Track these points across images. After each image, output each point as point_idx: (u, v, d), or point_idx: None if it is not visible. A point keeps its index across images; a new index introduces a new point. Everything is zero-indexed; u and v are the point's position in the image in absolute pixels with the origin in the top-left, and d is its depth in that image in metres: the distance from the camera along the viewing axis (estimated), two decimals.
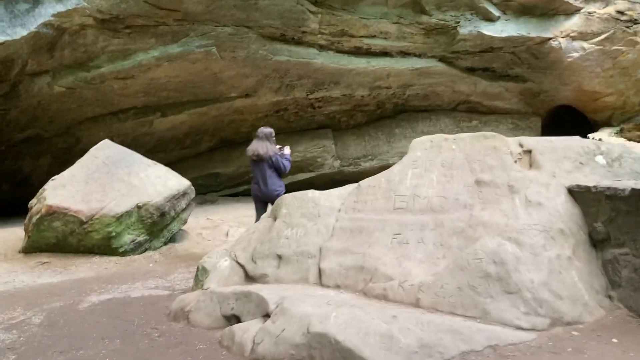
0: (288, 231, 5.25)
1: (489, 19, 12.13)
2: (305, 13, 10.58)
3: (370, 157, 13.63)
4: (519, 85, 13.79)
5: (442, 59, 12.83)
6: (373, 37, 11.78)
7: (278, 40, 10.95)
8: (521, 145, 5.56)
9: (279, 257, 5.17)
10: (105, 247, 7.46)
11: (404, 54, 12.41)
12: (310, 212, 5.34)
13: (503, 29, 12.25)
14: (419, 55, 12.55)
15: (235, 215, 10.67)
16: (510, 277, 4.31)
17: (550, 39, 12.51)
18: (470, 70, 13.31)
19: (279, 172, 7.34)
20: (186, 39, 9.89)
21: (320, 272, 4.92)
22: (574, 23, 12.50)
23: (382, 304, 4.38)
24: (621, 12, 12.64)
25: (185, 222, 8.54)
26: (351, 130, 13.70)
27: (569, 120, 15.29)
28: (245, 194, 13.14)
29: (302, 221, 5.28)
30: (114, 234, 7.35)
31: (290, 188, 13.40)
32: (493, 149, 5.40)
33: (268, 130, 7.51)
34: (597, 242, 4.84)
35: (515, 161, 5.42)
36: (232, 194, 13.14)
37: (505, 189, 5.05)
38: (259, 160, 7.22)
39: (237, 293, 4.60)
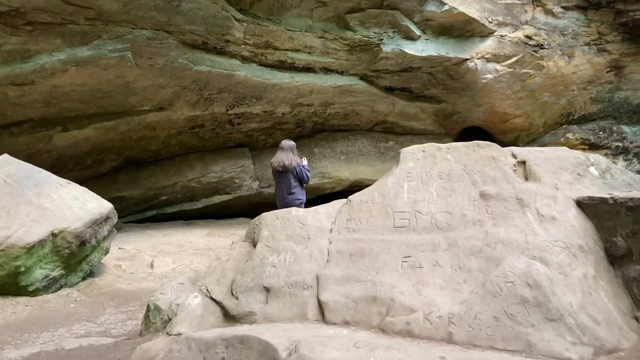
0: (274, 257, 4.36)
1: (410, 37, 12.03)
2: (231, 20, 9.73)
3: None
4: (434, 106, 13.85)
5: (363, 77, 12.52)
6: (297, 50, 11.18)
7: (199, 48, 9.97)
8: (514, 156, 5.17)
9: (267, 289, 4.26)
10: (11, 286, 5.99)
11: (327, 70, 11.93)
12: (298, 234, 4.51)
13: (423, 48, 12.21)
14: (342, 73, 12.14)
15: (152, 244, 9.43)
16: (549, 302, 3.80)
17: (467, 59, 12.67)
18: (389, 89, 13.14)
19: (302, 182, 7.60)
20: (98, 42, 8.59)
21: (321, 306, 4.09)
22: (488, 45, 12.78)
23: (413, 342, 3.66)
24: (529, 37, 13.15)
25: (107, 252, 7.23)
26: (269, 149, 12.88)
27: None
28: (155, 220, 11.83)
29: (290, 245, 4.43)
30: (22, 268, 5.92)
31: (206, 212, 12.37)
32: (492, 159, 4.96)
33: (291, 142, 7.77)
34: (616, 259, 4.49)
35: (514, 172, 5.01)
36: (139, 220, 11.73)
37: (514, 203, 4.59)
38: (284, 170, 7.43)
39: (227, 338, 3.63)
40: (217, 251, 9.03)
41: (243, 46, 10.44)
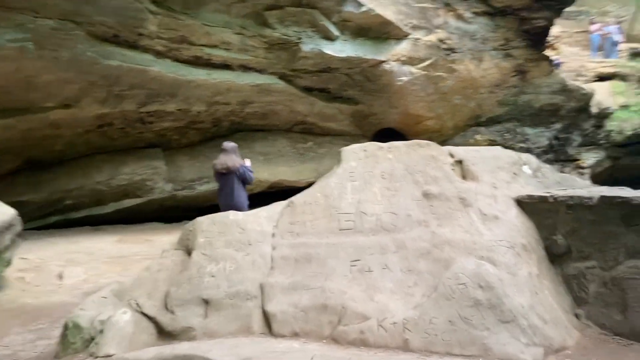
0: (212, 266, 4.01)
1: (329, 38, 11.93)
2: (144, 12, 9.13)
3: (206, 179, 12.35)
4: (351, 107, 13.85)
5: (282, 77, 12.26)
6: (214, 47, 10.72)
7: (110, 41, 9.27)
8: (452, 155, 5.14)
9: (206, 302, 3.90)
10: None
11: (245, 68, 11.55)
12: (238, 240, 4.18)
13: (342, 49, 12.16)
14: (260, 71, 11.81)
15: (57, 252, 8.64)
16: (502, 304, 3.76)
17: (384, 61, 12.77)
18: (308, 90, 12.97)
19: (245, 184, 7.69)
20: None
21: (267, 318, 3.80)
22: (403, 48, 12.95)
23: (370, 352, 3.45)
24: (442, 41, 13.48)
25: (9, 263, 6.47)
26: (183, 150, 12.32)
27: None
28: (59, 226, 10.91)
29: (229, 252, 4.10)
30: None
31: (115, 217, 11.57)
32: (432, 158, 4.90)
33: (234, 144, 7.87)
34: (556, 257, 4.55)
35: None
36: (41, 227, 10.74)
37: (457, 202, 4.55)
38: (227, 172, 7.48)
39: (166, 359, 3.24)
40: (134, 259, 8.44)
41: (157, 40, 9.85)
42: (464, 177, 4.97)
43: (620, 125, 18.99)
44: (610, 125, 18.27)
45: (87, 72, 9.26)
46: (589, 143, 17.23)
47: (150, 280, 4.16)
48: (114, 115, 10.47)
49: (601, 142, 17.76)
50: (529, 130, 15.58)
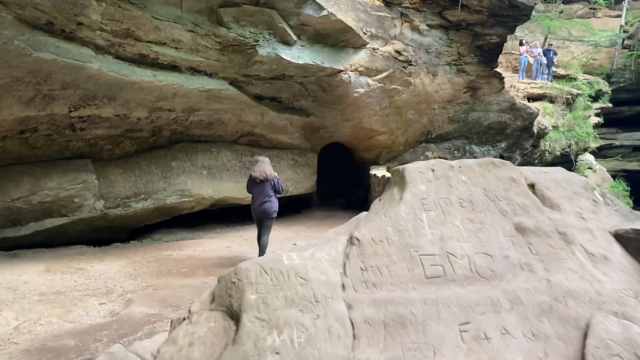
0: (274, 337, 2.79)
1: (287, 42, 10.88)
2: None
3: (143, 196, 10.77)
4: (302, 119, 12.84)
5: (233, 82, 11.01)
6: (163, 44, 9.31)
7: (43, 29, 7.64)
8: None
9: None
10: None
11: (195, 70, 10.19)
12: (301, 295, 3.00)
13: (299, 55, 11.15)
14: (210, 75, 10.49)
15: None
16: None
17: (342, 71, 11.90)
18: (259, 98, 11.81)
19: (277, 193, 8.33)
20: None
21: None
22: (361, 57, 12.17)
23: None
24: (399, 52, 12.84)
25: None
26: (116, 161, 10.66)
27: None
28: None
29: (293, 314, 2.90)
30: None
31: (34, 239, 9.69)
32: (512, 181, 3.97)
33: (267, 158, 8.61)
34: None
35: None
36: None
37: (557, 239, 3.64)
38: (264, 180, 8.16)
39: None
40: (74, 296, 6.82)
41: (99, 32, 8.30)
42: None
43: (552, 145, 19.38)
44: (544, 145, 18.56)
45: (11, 66, 7.56)
46: (526, 163, 17.33)
47: None
48: (41, 119, 8.72)
49: (535, 161, 17.97)
50: (476, 148, 15.32)
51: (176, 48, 9.55)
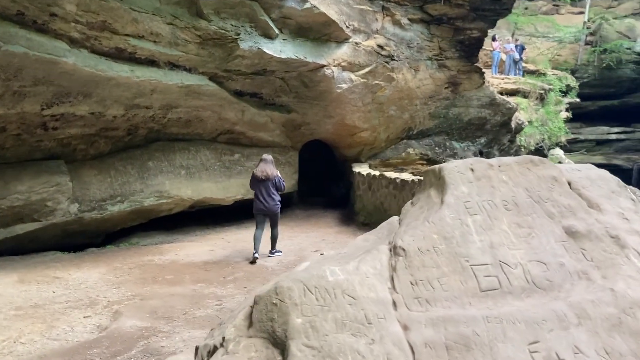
0: None
1: (269, 35, 10.49)
2: None
3: (119, 198, 10.20)
4: (284, 116, 12.45)
5: (213, 78, 10.55)
6: (141, 37, 8.80)
7: (13, 20, 7.06)
8: None
9: None
10: None
11: (174, 65, 9.70)
12: (352, 317, 2.64)
13: (282, 49, 10.77)
14: (190, 70, 10.01)
15: None
16: None
17: (325, 66, 11.56)
18: (239, 94, 11.37)
19: (278, 191, 8.88)
20: None
21: None
22: (344, 52, 11.86)
23: None
24: (381, 47, 12.58)
25: None
26: (91, 162, 10.06)
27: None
28: None
29: (346, 340, 2.53)
30: None
31: (5, 246, 9.05)
32: (554, 180, 3.71)
33: (271, 156, 9.13)
34: None
35: None
36: None
37: (610, 243, 3.39)
38: (266, 179, 8.69)
39: None
40: (55, 309, 6.32)
41: (73, 24, 7.75)
42: None
43: (527, 140, 19.47)
44: (520, 140, 18.61)
45: None
46: None
47: None
48: (10, 117, 8.10)
49: (512, 156, 17.97)
50: (456, 144, 15.20)
51: (155, 42, 9.04)
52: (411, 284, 2.88)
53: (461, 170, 3.50)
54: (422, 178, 10.88)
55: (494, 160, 3.68)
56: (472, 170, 3.53)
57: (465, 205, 3.31)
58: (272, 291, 2.65)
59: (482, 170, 3.54)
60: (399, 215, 3.70)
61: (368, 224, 11.77)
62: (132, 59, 9.01)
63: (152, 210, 10.90)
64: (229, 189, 11.89)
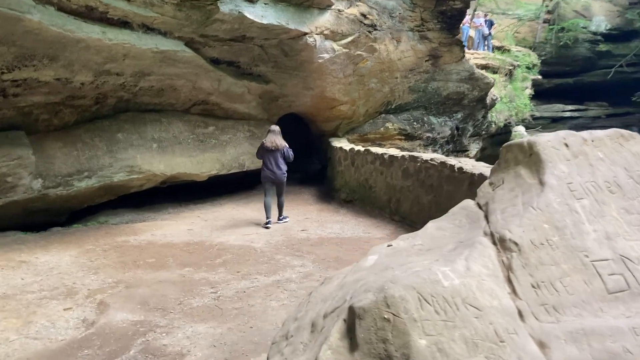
0: None
1: None
2: None
3: (87, 173, 9.31)
4: (261, 87, 11.71)
5: (189, 43, 9.70)
6: None
7: None
8: None
9: None
10: None
11: (148, 28, 8.82)
12: (482, 334, 2.11)
13: (263, 14, 9.99)
14: (165, 34, 9.15)
15: None
16: None
17: (307, 34, 10.86)
18: (216, 62, 10.55)
19: (286, 161, 9.43)
20: None
21: None
22: (326, 20, 11.17)
23: None
24: (364, 15, 11.96)
25: None
26: (55, 134, 9.11)
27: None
28: None
29: None
30: None
31: None
32: None
33: (278, 127, 9.64)
34: None
35: None
36: None
37: None
38: (275, 150, 9.27)
39: None
40: (28, 300, 5.57)
41: None
42: None
43: (497, 116, 19.32)
44: (491, 116, 18.43)
45: None
46: (476, 134, 17.16)
47: None
48: None
49: (483, 132, 17.83)
50: (433, 120, 14.85)
51: (128, 1, 8.13)
52: (532, 286, 2.37)
53: (555, 146, 3.00)
54: (412, 154, 10.30)
55: (586, 134, 3.19)
56: (566, 145, 3.03)
57: (570, 188, 2.81)
58: (382, 302, 2.08)
59: (577, 145, 3.04)
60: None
61: (351, 201, 11.28)
62: (104, 19, 8.08)
63: (122, 187, 10.05)
64: (203, 163, 11.12)
